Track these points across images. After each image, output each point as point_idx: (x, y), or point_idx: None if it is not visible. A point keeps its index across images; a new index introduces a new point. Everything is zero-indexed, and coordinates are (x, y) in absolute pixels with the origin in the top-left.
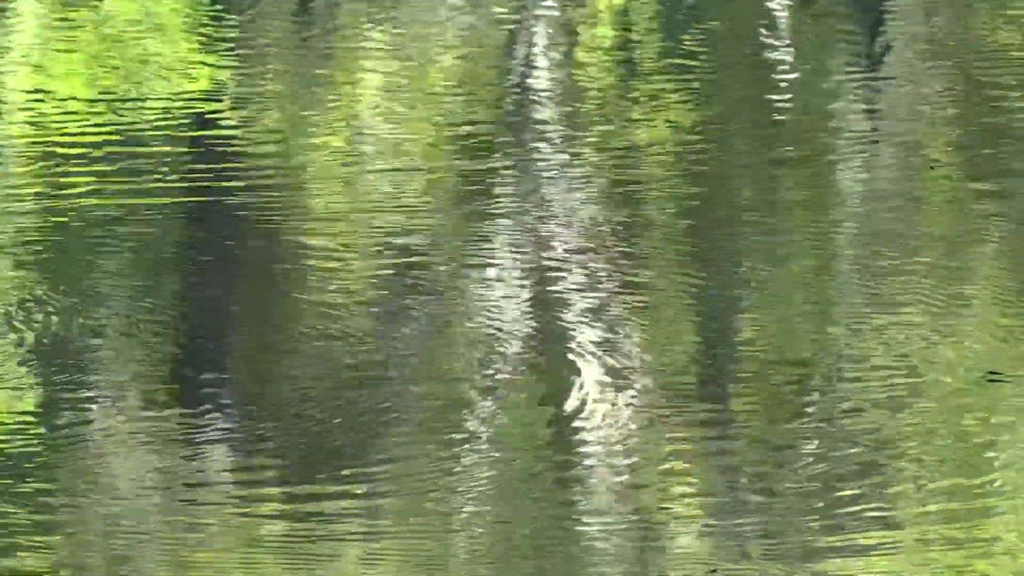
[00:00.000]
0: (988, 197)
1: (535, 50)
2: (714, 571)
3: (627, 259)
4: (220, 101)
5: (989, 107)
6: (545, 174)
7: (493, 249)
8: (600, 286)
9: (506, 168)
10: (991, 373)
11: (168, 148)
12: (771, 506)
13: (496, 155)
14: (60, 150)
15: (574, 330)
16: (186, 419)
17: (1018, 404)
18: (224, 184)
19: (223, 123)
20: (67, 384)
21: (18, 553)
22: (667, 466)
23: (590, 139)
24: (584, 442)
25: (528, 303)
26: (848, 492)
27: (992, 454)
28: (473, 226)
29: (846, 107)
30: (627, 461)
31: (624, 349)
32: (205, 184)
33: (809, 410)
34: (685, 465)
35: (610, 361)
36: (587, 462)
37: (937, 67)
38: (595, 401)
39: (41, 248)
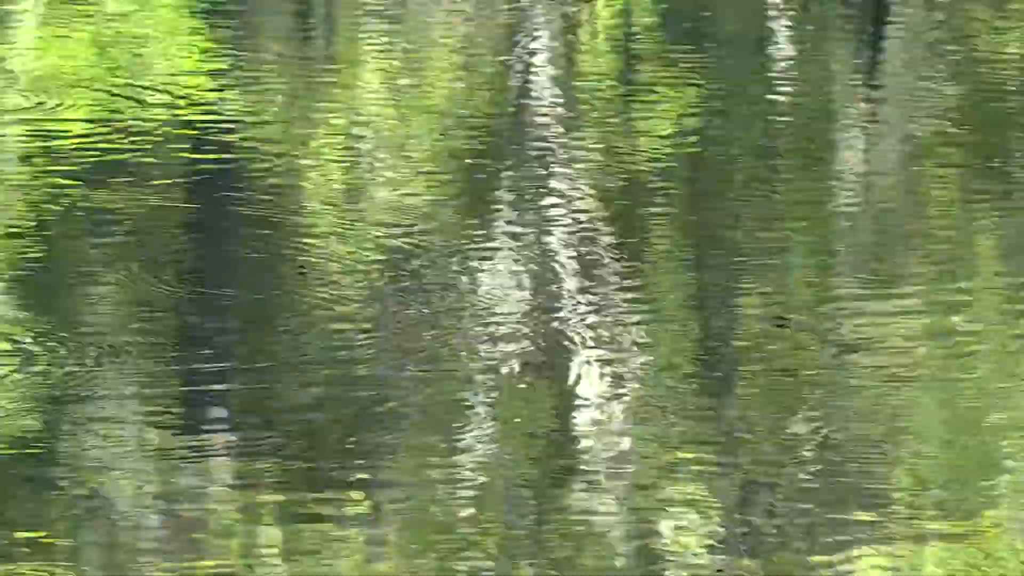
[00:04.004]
0: (988, 191)
1: (535, 50)
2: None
3: (628, 259)
4: (220, 101)
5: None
6: (546, 173)
7: (494, 249)
8: (601, 285)
9: (507, 168)
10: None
11: (167, 149)
12: (773, 502)
13: (496, 155)
14: (59, 151)
15: (575, 330)
16: (186, 417)
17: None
18: (224, 184)
19: (223, 123)
20: (64, 381)
21: (18, 562)
22: (668, 464)
23: (590, 137)
24: (585, 442)
25: (529, 303)
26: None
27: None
28: (474, 226)
29: (846, 105)
30: (627, 459)
31: (625, 347)
32: (205, 184)
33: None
34: (687, 463)
35: (610, 360)
36: (588, 461)
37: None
38: (596, 404)
39: (39, 247)
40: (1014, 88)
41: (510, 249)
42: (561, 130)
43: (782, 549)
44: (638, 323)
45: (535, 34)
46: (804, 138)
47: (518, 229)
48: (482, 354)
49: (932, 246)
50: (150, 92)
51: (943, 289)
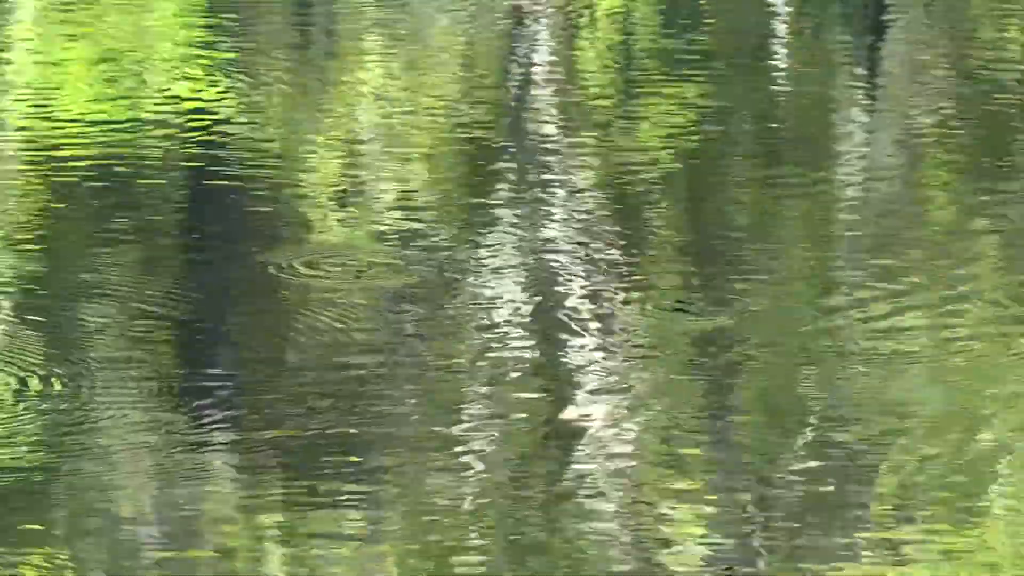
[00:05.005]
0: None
1: (535, 51)
2: (729, 569)
3: (628, 258)
4: (219, 100)
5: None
6: (545, 172)
7: (494, 250)
8: (601, 284)
9: (507, 168)
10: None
11: (167, 147)
12: (774, 501)
13: (497, 154)
14: (60, 150)
15: (575, 330)
16: (186, 413)
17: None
18: (223, 184)
19: (222, 122)
20: (64, 376)
21: (17, 553)
22: (667, 459)
23: (590, 139)
24: (584, 439)
25: (529, 301)
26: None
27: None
28: (475, 227)
29: (846, 102)
30: (629, 456)
31: (625, 344)
32: (204, 184)
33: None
34: (687, 459)
35: (610, 356)
36: (587, 458)
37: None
38: (594, 402)
39: (40, 245)
40: (1014, 86)
41: (510, 250)
42: (561, 132)
43: (780, 553)
44: (638, 323)
45: (535, 35)
46: (804, 137)
47: (518, 231)
48: (482, 354)
49: (932, 243)
50: (150, 92)
51: (942, 287)
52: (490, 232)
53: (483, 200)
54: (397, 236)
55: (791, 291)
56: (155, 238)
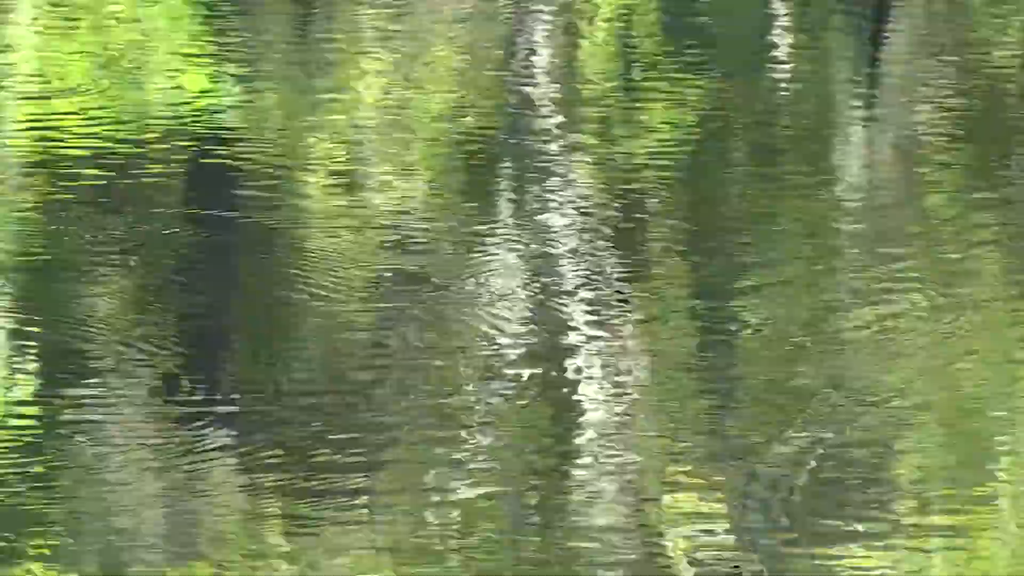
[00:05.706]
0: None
1: (536, 47)
2: (736, 567)
3: (627, 257)
4: (219, 98)
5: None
6: (545, 171)
7: (494, 249)
8: (602, 285)
9: (506, 166)
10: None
11: (168, 146)
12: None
13: (496, 154)
14: (59, 150)
15: (574, 326)
16: (185, 411)
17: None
18: (223, 181)
19: (221, 121)
20: (64, 371)
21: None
22: (670, 455)
23: (590, 135)
24: (584, 434)
25: (529, 301)
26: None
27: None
28: (474, 227)
29: (847, 104)
30: (629, 453)
31: (624, 342)
32: (204, 183)
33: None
34: (688, 456)
35: (609, 355)
36: (587, 455)
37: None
38: (598, 404)
39: (40, 243)
40: (1014, 87)
41: (510, 250)
42: (561, 130)
43: (785, 545)
44: (639, 324)
45: (535, 34)
46: (804, 138)
47: (518, 230)
48: (482, 355)
49: (932, 245)
50: (150, 88)
51: (942, 288)
52: (489, 231)
53: (483, 199)
54: (396, 235)
55: (791, 291)
56: (154, 232)
